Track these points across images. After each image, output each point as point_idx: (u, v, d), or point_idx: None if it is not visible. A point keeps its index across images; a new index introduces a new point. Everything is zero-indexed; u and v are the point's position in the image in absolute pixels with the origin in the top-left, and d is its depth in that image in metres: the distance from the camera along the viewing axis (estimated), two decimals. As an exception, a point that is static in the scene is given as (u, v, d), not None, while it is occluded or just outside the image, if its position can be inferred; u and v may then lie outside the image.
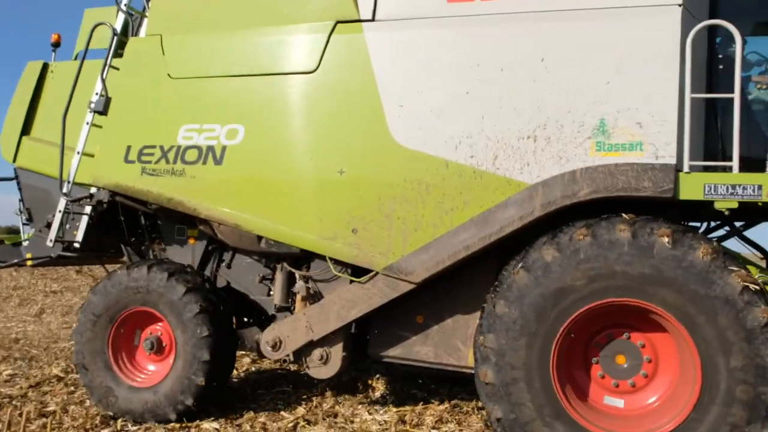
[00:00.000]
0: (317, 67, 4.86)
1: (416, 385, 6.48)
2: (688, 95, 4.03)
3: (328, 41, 4.83)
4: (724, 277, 3.81)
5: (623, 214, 4.16)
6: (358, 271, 4.87)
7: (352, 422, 5.27)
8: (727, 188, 3.97)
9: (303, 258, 5.13)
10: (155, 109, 5.31)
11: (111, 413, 5.21)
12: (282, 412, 5.48)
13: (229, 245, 5.28)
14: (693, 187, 4.01)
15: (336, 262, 4.87)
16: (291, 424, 5.16)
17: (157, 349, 5.30)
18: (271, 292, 5.54)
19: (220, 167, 5.05)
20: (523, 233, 4.35)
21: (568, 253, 4.07)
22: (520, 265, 4.23)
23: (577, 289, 4.04)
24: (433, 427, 5.13)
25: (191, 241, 5.89)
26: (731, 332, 3.78)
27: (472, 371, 4.89)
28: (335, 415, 5.46)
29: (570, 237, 4.12)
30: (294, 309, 5.19)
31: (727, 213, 4.04)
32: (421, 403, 5.80)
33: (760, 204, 4.01)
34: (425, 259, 4.48)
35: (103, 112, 5.42)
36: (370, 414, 5.46)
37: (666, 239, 3.88)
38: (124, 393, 5.17)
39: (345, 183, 4.71)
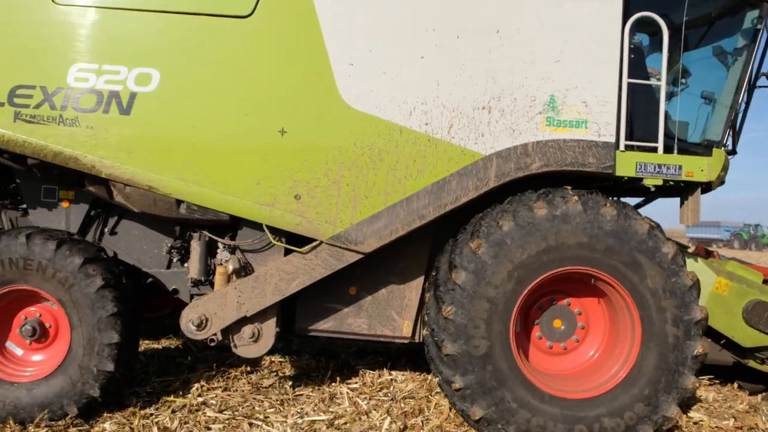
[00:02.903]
0: (252, 12, 4.32)
1: (182, 354, 6.29)
2: (625, 80, 4.40)
3: None
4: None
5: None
6: (291, 241, 4.52)
7: (110, 398, 4.90)
8: (655, 167, 4.44)
9: (227, 226, 4.60)
10: (33, 40, 4.27)
11: None
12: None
13: (133, 210, 4.50)
14: (627, 165, 4.42)
15: (271, 230, 4.46)
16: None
17: (40, 335, 4.38)
18: (174, 265, 4.90)
19: (128, 118, 4.27)
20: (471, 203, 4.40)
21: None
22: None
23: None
24: (200, 395, 5.00)
25: (65, 204, 4.92)
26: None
27: (406, 341, 4.89)
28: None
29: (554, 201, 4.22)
30: (213, 282, 4.65)
31: (653, 189, 4.52)
32: (187, 371, 5.64)
33: (677, 183, 4.57)
34: (378, 228, 4.31)
35: (-49, 37, 4.23)
36: (130, 387, 5.11)
37: (578, 204, 4.19)
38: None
39: (287, 144, 4.30)
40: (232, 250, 4.58)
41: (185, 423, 4.39)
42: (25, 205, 5.00)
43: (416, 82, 4.32)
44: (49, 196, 4.89)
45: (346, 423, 4.52)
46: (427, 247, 4.81)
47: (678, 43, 5.08)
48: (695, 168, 4.48)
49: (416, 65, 4.33)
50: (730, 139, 5.06)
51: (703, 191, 5.08)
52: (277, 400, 4.94)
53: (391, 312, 4.83)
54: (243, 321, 4.51)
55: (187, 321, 4.43)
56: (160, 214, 4.46)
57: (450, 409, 4.76)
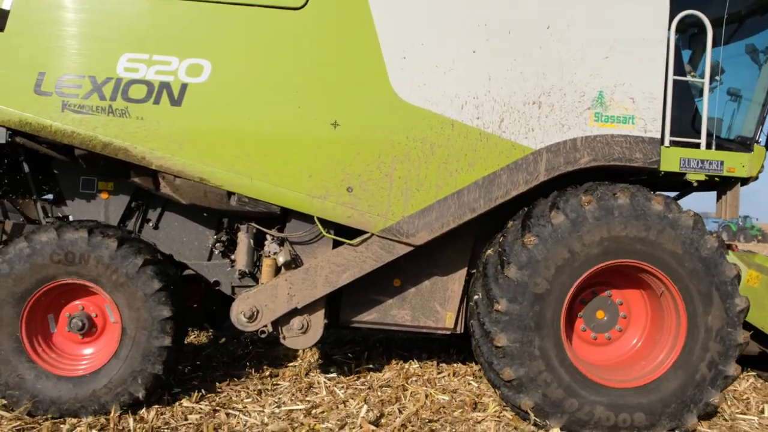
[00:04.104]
0: (305, 4, 4.30)
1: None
2: (670, 76, 4.49)
3: None
4: (724, 263, 4.35)
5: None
6: (338, 233, 4.54)
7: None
8: (698, 162, 4.55)
9: (275, 218, 4.59)
10: (82, 28, 4.20)
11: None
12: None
13: (181, 202, 4.47)
14: (671, 160, 4.51)
15: (321, 222, 4.47)
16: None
17: (89, 327, 4.35)
18: (215, 257, 4.88)
19: (179, 109, 4.23)
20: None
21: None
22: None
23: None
24: (177, 385, 4.97)
25: (104, 195, 4.87)
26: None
27: (448, 332, 4.95)
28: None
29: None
30: (259, 275, 4.65)
31: (695, 184, 4.63)
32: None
33: (713, 178, 4.68)
34: (430, 220, 4.35)
35: (-1, 26, 4.14)
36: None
37: (690, 218, 4.28)
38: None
39: (340, 137, 4.31)
40: (281, 242, 4.58)
41: (162, 414, 4.36)
42: (52, 195, 4.94)
43: (468, 76, 4.36)
44: (87, 187, 4.84)
45: (323, 412, 4.55)
46: (472, 240, 4.87)
47: (708, 41, 5.17)
48: (737, 164, 4.60)
49: (468, 59, 4.36)
50: (763, 135, 5.18)
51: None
52: (254, 390, 4.95)
53: (435, 303, 4.88)
54: (293, 313, 4.53)
55: (238, 313, 4.43)
56: (210, 206, 4.44)
57: (426, 397, 4.86)
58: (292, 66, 4.30)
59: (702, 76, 4.75)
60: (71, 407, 4.20)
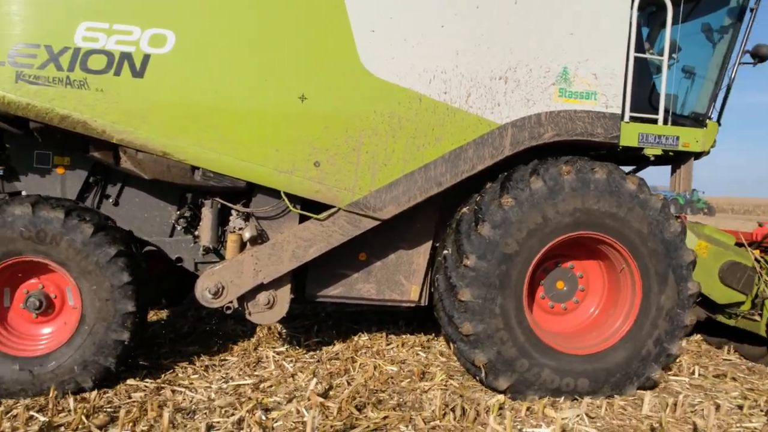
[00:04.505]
0: (271, -26, 4.21)
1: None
2: (632, 54, 4.59)
3: None
4: (683, 248, 4.57)
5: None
6: (305, 207, 4.52)
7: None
8: (655, 137, 4.70)
9: (240, 193, 4.53)
10: (36, -5, 4.02)
11: None
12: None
13: (143, 177, 4.35)
14: (631, 135, 4.65)
15: (287, 197, 4.43)
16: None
17: (46, 307, 4.23)
18: (177, 233, 4.80)
19: (142, 81, 4.10)
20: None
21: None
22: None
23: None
24: (172, 361, 5.05)
25: (60, 170, 4.70)
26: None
27: (413, 305, 5.03)
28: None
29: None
30: (223, 251, 4.60)
31: (652, 158, 4.78)
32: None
33: (667, 152, 4.85)
34: (396, 195, 4.38)
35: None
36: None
37: (659, 201, 4.50)
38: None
39: (307, 111, 4.26)
40: (246, 218, 4.53)
41: (105, 393, 4.26)
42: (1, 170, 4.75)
43: (436, 50, 4.36)
44: (42, 162, 4.66)
45: (271, 386, 4.57)
46: (437, 214, 4.92)
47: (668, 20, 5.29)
48: (691, 139, 4.78)
49: (436, 34, 4.36)
50: (716, 111, 5.37)
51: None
52: (201, 366, 4.93)
53: (400, 277, 4.93)
54: (258, 288, 4.51)
55: (203, 289, 4.38)
56: (174, 181, 4.35)
57: (374, 368, 4.97)
58: (259, 38, 4.22)
59: (660, 54, 4.88)
60: (11, 388, 4.05)
